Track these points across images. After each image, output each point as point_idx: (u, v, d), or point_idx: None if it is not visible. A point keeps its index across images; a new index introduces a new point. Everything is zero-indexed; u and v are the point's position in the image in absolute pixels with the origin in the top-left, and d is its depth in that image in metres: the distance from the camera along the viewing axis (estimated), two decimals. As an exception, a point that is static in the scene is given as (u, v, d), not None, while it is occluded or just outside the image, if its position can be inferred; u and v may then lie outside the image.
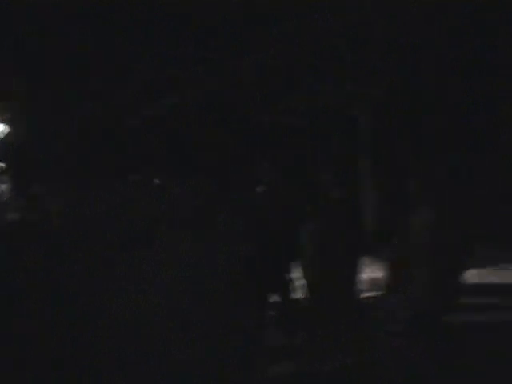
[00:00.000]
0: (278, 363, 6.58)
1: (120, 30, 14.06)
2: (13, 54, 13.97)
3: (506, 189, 13.33)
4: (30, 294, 1.87)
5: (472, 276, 11.66)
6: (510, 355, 7.05)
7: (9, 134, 13.04)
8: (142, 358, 1.78)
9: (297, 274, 8.09)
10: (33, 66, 14.70)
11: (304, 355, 6.70)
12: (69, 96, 13.16)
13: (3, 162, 12.66)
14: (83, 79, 13.37)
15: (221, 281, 1.81)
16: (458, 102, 12.68)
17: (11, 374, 1.93)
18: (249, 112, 14.67)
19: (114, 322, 1.80)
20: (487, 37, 12.48)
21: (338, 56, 12.76)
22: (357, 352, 6.47)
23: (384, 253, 10.55)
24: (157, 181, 6.24)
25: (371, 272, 11.11)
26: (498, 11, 12.46)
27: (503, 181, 13.09)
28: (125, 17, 13.96)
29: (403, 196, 6.66)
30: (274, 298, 7.72)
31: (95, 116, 12.96)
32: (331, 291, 6.84)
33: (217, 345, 1.73)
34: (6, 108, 12.49)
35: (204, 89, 14.45)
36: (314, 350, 6.69)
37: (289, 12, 13.22)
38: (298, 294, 8.00)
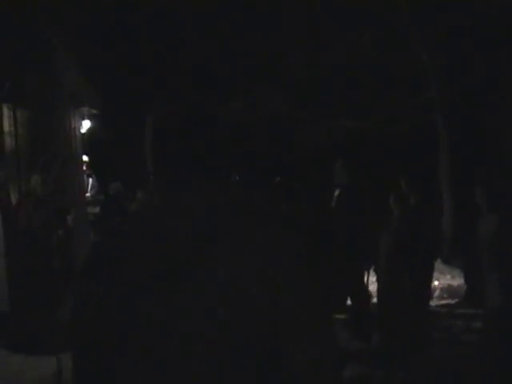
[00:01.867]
0: (350, 366, 6.54)
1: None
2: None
3: None
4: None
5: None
6: None
7: (93, 129, 13.40)
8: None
9: (371, 279, 8.07)
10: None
11: (376, 359, 6.68)
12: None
13: (88, 157, 12.99)
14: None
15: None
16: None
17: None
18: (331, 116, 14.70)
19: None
20: None
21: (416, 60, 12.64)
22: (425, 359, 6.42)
23: (460, 260, 10.42)
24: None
25: (448, 279, 10.98)
26: None
27: None
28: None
29: (474, 203, 6.55)
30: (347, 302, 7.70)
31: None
32: (405, 297, 6.80)
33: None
34: (92, 104, 12.80)
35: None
36: (385, 355, 6.68)
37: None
38: (372, 299, 7.98)
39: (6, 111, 9.44)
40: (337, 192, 7.83)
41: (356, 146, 14.80)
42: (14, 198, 8.47)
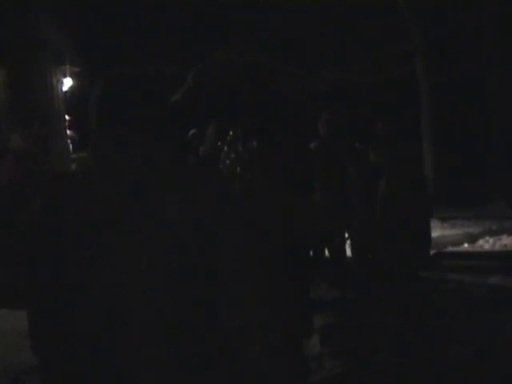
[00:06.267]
0: (326, 316, 6.66)
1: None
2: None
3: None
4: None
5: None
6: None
7: (75, 87, 13.35)
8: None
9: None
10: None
11: (352, 308, 6.81)
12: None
13: (69, 116, 12.98)
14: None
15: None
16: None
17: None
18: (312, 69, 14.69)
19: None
20: None
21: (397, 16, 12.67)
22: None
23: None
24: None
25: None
26: None
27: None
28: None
29: None
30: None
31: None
32: (380, 249, 6.92)
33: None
34: (74, 63, 12.74)
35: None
36: (360, 304, 6.81)
37: None
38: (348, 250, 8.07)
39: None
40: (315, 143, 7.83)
41: (339, 96, 14.86)
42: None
